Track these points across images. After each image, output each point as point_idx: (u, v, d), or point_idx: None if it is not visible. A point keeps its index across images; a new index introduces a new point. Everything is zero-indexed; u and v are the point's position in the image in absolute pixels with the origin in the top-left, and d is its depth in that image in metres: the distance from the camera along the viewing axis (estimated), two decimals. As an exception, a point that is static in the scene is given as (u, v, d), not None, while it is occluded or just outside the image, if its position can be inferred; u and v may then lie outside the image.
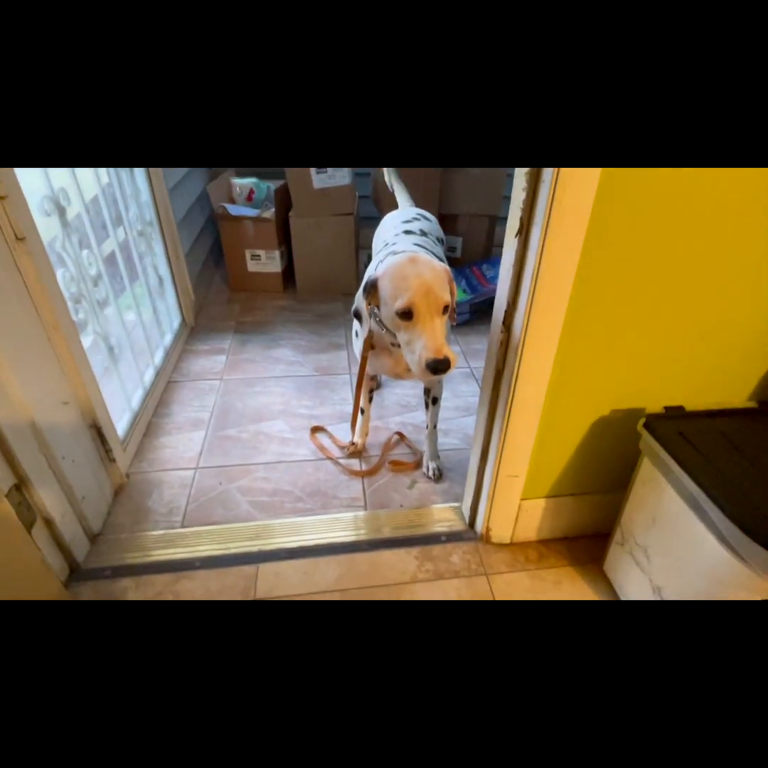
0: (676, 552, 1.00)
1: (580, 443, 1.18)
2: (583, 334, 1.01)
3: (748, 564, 0.83)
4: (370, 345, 1.25)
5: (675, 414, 1.06)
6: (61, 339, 1.18)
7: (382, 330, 1.17)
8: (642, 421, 1.04)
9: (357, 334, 1.32)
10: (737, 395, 1.15)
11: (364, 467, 1.58)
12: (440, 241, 1.56)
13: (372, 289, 1.11)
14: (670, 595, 1.02)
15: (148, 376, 1.81)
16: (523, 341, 1.00)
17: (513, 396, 1.07)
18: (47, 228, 1.23)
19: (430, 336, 1.01)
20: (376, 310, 1.14)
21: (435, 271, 1.07)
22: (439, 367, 1.00)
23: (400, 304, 1.03)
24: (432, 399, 1.47)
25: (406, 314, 1.03)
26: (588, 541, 1.34)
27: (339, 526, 1.39)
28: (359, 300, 1.17)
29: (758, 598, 0.84)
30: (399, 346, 1.21)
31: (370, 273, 1.17)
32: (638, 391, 1.12)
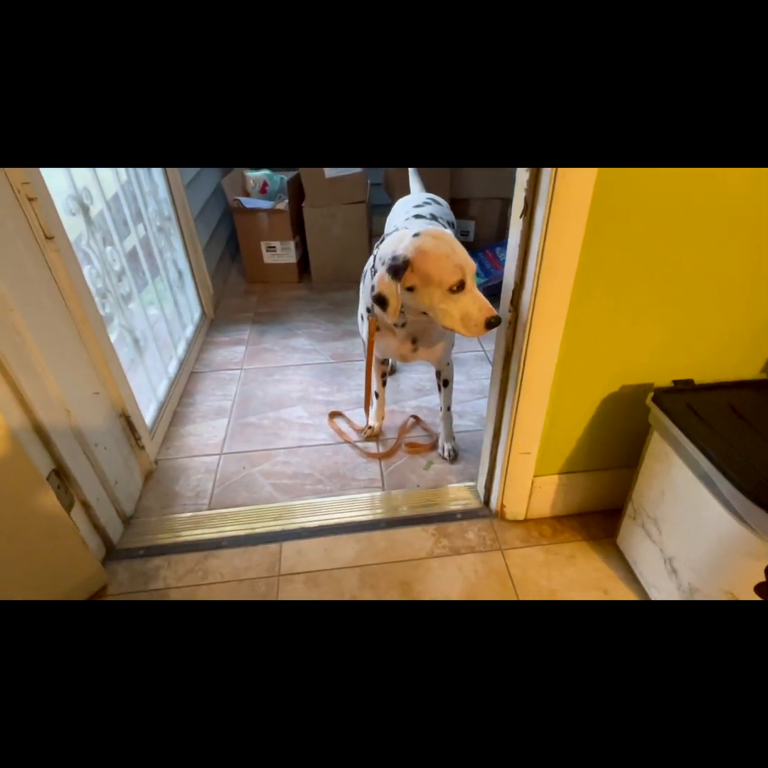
0: (685, 523, 1.02)
1: (591, 420, 1.20)
2: (590, 310, 1.03)
3: (756, 532, 0.85)
4: (376, 327, 1.29)
5: (684, 387, 1.07)
6: (90, 332, 1.24)
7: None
8: (650, 395, 1.06)
9: (363, 318, 1.35)
10: (749, 368, 1.16)
11: (381, 450, 1.62)
12: (451, 224, 1.58)
13: (406, 270, 1.09)
14: (680, 564, 1.04)
15: (172, 367, 1.88)
16: (531, 320, 1.02)
17: (522, 374, 1.10)
18: (73, 226, 1.29)
19: (480, 298, 1.11)
20: (405, 292, 1.13)
21: (456, 241, 1.14)
22: (495, 321, 1.10)
23: (456, 278, 1.09)
24: (443, 381, 1.51)
25: (460, 286, 1.10)
26: (601, 516, 1.36)
27: (358, 506, 1.44)
28: (382, 285, 1.12)
29: (764, 563, 0.86)
30: (402, 325, 1.25)
31: (386, 255, 1.13)
32: (648, 366, 1.13)
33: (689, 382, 1.09)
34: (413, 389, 1.89)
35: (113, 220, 1.52)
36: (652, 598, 1.16)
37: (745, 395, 1.04)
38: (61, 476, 1.15)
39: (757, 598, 0.90)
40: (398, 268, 1.10)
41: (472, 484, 1.48)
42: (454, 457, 1.57)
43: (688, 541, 1.02)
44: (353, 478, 1.54)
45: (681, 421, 0.98)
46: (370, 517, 1.41)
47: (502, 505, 1.35)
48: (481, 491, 1.42)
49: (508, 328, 1.10)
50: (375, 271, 1.18)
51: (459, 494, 1.46)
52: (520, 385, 1.11)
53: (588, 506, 1.37)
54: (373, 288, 1.12)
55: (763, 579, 0.88)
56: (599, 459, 1.28)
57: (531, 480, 1.29)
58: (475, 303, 1.10)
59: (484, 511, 1.40)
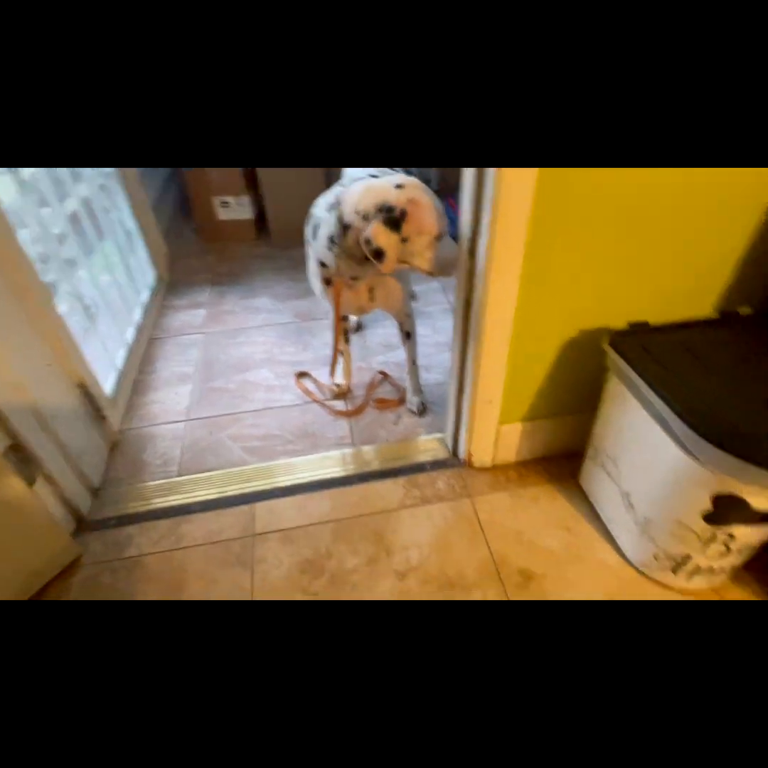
0: (640, 459, 1.07)
1: (551, 365, 1.22)
2: (546, 256, 1.03)
3: (703, 464, 0.90)
4: (339, 284, 1.27)
5: (639, 329, 1.09)
6: (33, 301, 1.18)
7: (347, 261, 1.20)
8: (606, 338, 1.08)
9: (316, 274, 1.32)
10: (702, 307, 1.18)
11: (350, 407, 1.63)
12: (409, 172, 1.53)
13: (403, 221, 1.10)
14: (636, 499, 1.09)
15: (129, 334, 1.82)
16: (488, 267, 1.01)
17: (482, 323, 1.10)
18: (3, 188, 1.20)
19: (451, 241, 1.19)
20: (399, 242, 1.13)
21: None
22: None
23: (442, 226, 1.13)
24: (406, 333, 1.50)
25: (442, 233, 1.15)
26: (564, 459, 1.41)
27: (329, 463, 1.46)
28: (381, 238, 1.09)
29: (711, 493, 0.91)
30: (359, 278, 1.26)
31: (366, 208, 1.11)
32: (605, 310, 1.14)
33: (644, 324, 1.11)
34: (380, 345, 1.88)
35: (49, 180, 1.41)
36: (612, 532, 1.23)
37: (698, 334, 1.07)
38: (19, 451, 1.11)
39: (704, 524, 0.96)
40: (396, 220, 1.10)
41: (440, 435, 1.51)
42: (422, 410, 1.59)
43: (643, 477, 1.07)
44: (323, 436, 1.54)
45: (636, 363, 1.01)
46: (342, 473, 1.42)
47: (470, 454, 1.38)
48: (449, 442, 1.45)
49: (466, 276, 1.09)
50: (347, 226, 1.13)
51: (428, 446, 1.49)
52: (481, 333, 1.12)
53: (551, 450, 1.42)
54: (368, 241, 1.09)
55: (709, 507, 0.93)
56: (561, 404, 1.31)
57: (496, 428, 1.32)
58: (449, 246, 1.17)
59: (452, 461, 1.44)
